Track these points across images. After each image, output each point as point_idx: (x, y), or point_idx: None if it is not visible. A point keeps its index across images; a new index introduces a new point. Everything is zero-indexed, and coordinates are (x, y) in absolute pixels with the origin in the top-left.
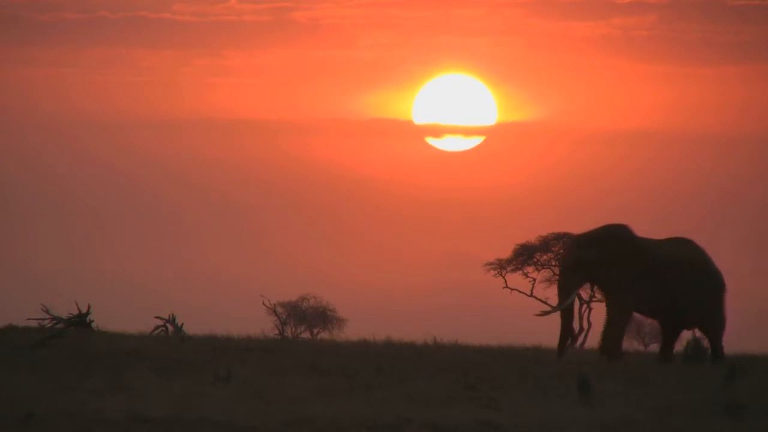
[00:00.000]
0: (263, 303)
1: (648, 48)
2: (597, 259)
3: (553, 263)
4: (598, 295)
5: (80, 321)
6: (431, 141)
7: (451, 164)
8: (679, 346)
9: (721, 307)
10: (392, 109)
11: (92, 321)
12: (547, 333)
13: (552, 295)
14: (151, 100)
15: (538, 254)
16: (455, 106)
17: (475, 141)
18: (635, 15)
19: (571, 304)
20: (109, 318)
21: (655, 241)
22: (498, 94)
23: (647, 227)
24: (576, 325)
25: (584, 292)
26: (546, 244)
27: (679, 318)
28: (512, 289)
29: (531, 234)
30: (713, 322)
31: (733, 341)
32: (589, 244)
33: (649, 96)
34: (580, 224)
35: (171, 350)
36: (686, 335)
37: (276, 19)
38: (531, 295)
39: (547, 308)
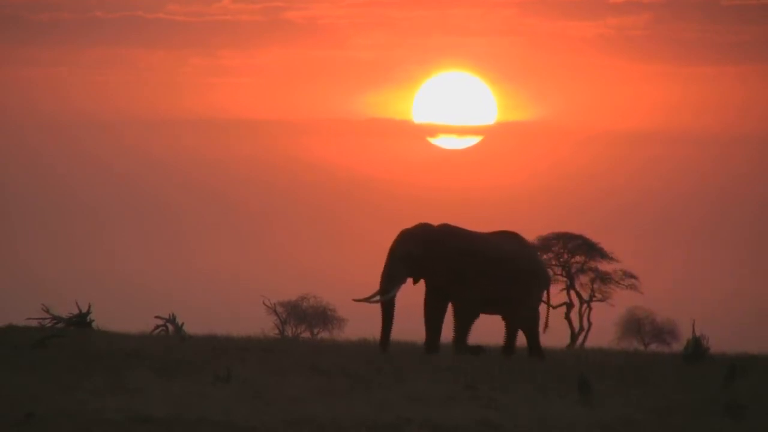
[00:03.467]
0: (263, 303)
1: (647, 48)
2: (425, 255)
3: (554, 263)
4: (599, 295)
5: (80, 321)
6: (430, 140)
7: (451, 164)
8: (679, 346)
9: (539, 302)
10: (391, 108)
11: (92, 321)
12: (547, 333)
13: (551, 294)
14: (150, 99)
15: (538, 254)
16: (454, 105)
17: (474, 140)
18: (631, 14)
19: (394, 297)
20: (109, 318)
21: (482, 235)
22: (496, 94)
23: (645, 228)
24: (576, 324)
25: (584, 292)
26: (546, 243)
27: (503, 312)
28: None
29: (531, 234)
30: (532, 316)
31: (733, 341)
32: (419, 239)
33: (648, 96)
34: (580, 224)
35: (171, 350)
36: (686, 335)
37: (270, 18)
38: None
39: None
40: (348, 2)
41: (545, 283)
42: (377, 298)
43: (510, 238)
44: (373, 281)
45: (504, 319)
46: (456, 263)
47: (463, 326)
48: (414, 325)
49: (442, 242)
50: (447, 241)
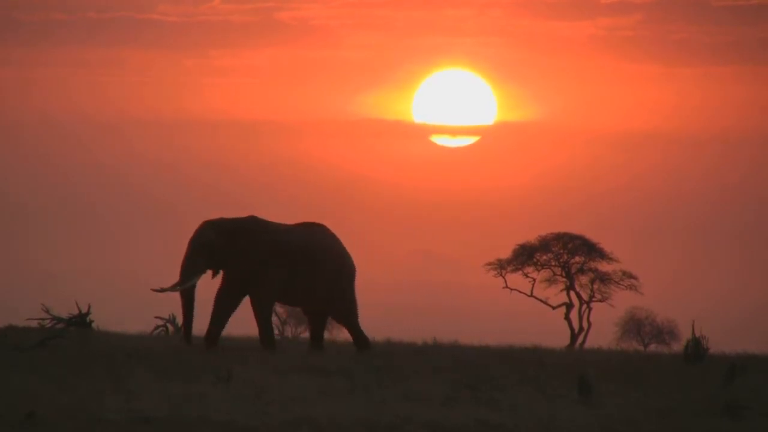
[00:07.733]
0: None
1: (645, 48)
2: (226, 247)
3: (553, 263)
4: (599, 295)
5: (80, 321)
6: (430, 139)
7: (450, 164)
8: (679, 346)
9: (352, 293)
10: (389, 108)
11: (92, 321)
12: (547, 333)
13: (551, 294)
14: (146, 100)
15: (538, 254)
16: (453, 104)
17: (472, 140)
18: (628, 15)
19: (193, 287)
20: (109, 318)
21: (286, 227)
22: (495, 94)
23: (645, 228)
24: (576, 325)
25: (584, 293)
26: (546, 244)
27: (314, 305)
28: (512, 289)
29: (531, 234)
30: (346, 309)
31: (733, 341)
32: (221, 231)
33: (647, 96)
34: (580, 225)
35: (171, 350)
36: (686, 335)
37: (262, 19)
38: (531, 295)
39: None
40: (339, 2)
41: (350, 275)
42: (178, 288)
43: (316, 230)
44: (373, 281)
45: (316, 312)
46: (259, 255)
47: (267, 318)
48: (415, 326)
49: (245, 233)
50: (251, 232)
